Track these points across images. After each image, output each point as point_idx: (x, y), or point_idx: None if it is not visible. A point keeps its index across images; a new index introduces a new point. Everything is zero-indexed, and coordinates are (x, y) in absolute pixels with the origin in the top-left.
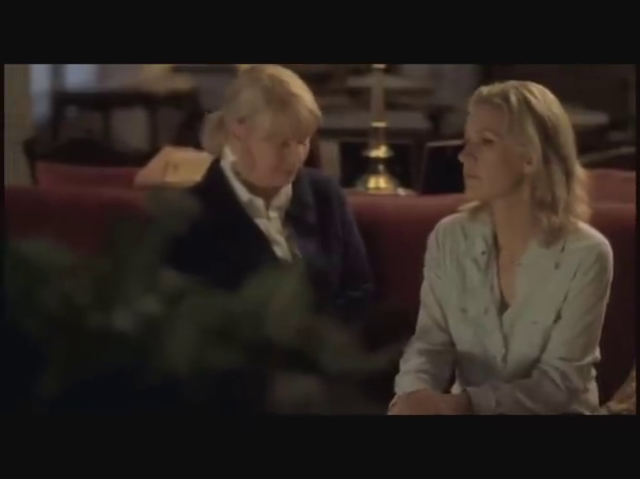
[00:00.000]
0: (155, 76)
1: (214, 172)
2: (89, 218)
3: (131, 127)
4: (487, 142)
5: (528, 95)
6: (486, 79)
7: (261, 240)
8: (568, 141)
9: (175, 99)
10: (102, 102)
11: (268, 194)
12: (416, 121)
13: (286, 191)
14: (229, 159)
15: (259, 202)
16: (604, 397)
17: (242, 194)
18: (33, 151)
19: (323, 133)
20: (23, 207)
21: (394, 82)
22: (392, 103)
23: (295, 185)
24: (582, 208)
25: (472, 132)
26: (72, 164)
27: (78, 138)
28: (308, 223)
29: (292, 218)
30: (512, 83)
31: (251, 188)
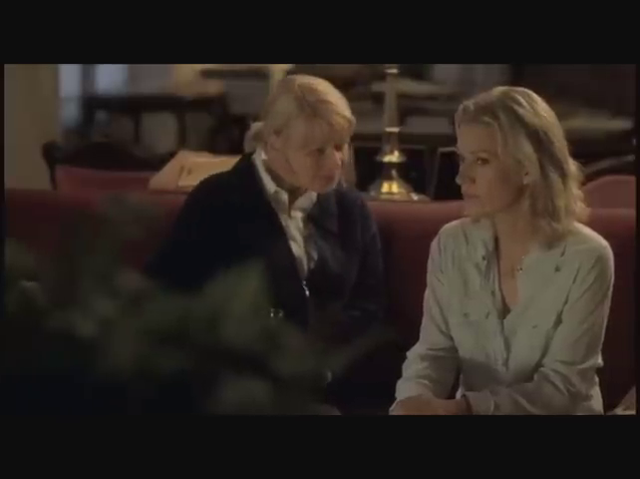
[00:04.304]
0: (184, 81)
1: (245, 162)
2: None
3: (160, 131)
4: (484, 161)
5: (516, 107)
6: (517, 84)
7: (280, 234)
8: (561, 142)
9: (205, 103)
10: (131, 106)
11: (294, 191)
12: (440, 126)
13: (311, 194)
14: (262, 156)
15: (284, 196)
16: (610, 404)
17: (269, 186)
18: (52, 155)
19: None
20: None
21: (420, 87)
22: (418, 108)
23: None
24: (580, 205)
25: (466, 152)
26: (91, 168)
27: (97, 142)
28: (328, 229)
29: (313, 221)
30: (496, 93)
31: (279, 182)
